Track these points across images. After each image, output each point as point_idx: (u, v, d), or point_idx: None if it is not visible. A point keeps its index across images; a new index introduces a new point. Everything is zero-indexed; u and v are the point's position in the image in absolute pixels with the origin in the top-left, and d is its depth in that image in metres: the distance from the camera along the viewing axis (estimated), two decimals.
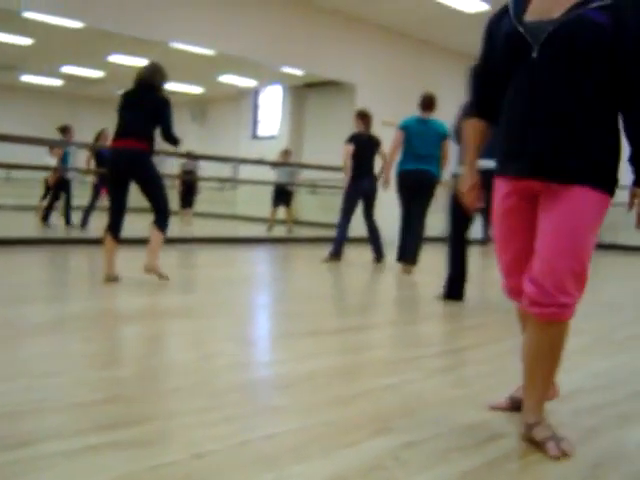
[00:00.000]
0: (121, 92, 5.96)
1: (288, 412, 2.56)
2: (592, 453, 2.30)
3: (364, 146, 8.55)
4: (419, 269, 7.76)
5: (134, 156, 5.63)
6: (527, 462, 2.19)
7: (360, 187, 8.51)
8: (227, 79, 16.43)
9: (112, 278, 5.73)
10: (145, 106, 5.72)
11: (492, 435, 2.41)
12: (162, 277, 5.84)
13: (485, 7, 11.59)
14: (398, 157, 8.02)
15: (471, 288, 5.97)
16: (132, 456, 2.08)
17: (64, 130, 11.43)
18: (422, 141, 7.88)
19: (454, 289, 5.71)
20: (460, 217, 5.53)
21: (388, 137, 10.10)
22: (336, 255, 8.51)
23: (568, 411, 2.78)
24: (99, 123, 11.47)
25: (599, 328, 4.78)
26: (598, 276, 8.15)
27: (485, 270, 9.13)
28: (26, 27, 11.55)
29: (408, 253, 7.80)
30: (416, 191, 7.86)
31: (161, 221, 5.75)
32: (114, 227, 5.78)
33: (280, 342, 3.87)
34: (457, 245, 5.72)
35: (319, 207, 15.89)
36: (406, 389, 2.95)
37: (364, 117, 8.75)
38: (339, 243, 8.53)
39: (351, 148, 8.44)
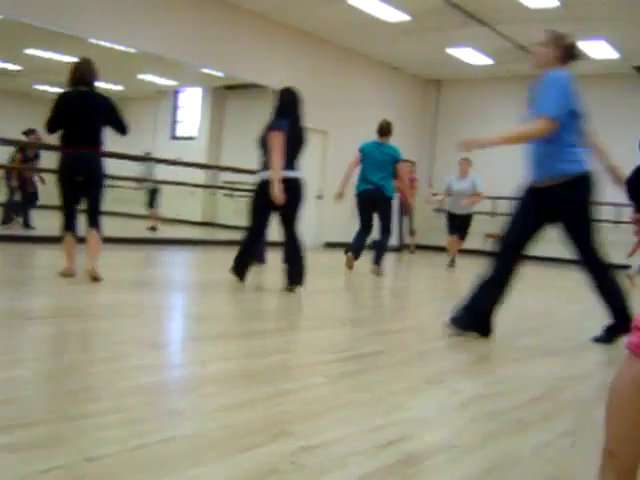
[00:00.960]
0: (62, 90, 5.99)
1: (187, 416, 2.52)
2: (488, 458, 2.33)
3: None
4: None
5: (92, 160, 5.82)
6: (424, 467, 2.21)
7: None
8: (147, 78, 16.21)
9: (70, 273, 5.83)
10: (96, 109, 5.84)
11: (391, 440, 2.42)
12: (97, 279, 5.73)
13: (406, 18, 11.75)
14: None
15: (383, 296, 6.02)
16: (25, 459, 2.01)
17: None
18: (377, 163, 8.75)
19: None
20: (262, 214, 6.28)
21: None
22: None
23: (467, 417, 2.82)
24: (17, 117, 11.16)
25: (504, 336, 4.88)
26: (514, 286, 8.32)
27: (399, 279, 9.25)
28: None
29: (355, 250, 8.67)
30: (375, 207, 8.73)
31: (99, 223, 5.90)
32: (72, 225, 5.90)
33: (186, 345, 3.84)
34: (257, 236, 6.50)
35: (237, 210, 15.80)
36: (308, 394, 2.95)
37: None
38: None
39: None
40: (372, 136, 13.08)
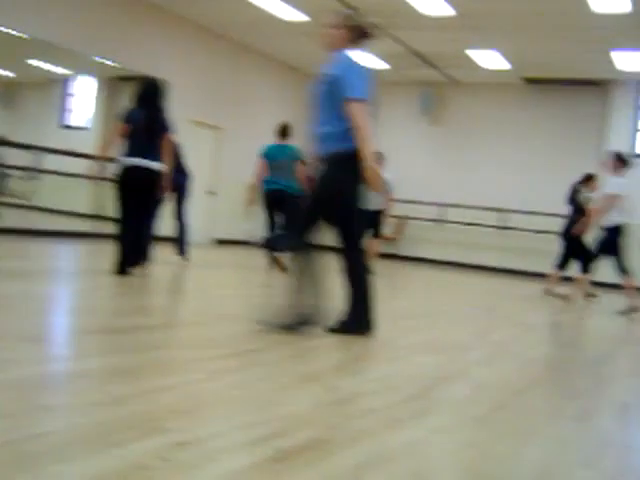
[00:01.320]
0: None
1: (59, 411, 2.47)
2: (358, 455, 2.38)
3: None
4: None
5: None
6: (294, 463, 2.23)
7: None
8: (38, 64, 15.71)
9: None
10: None
11: (264, 436, 2.44)
12: None
13: (304, 18, 11.81)
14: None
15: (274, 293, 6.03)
16: None
17: None
18: (280, 165, 9.10)
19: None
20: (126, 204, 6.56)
21: (195, 136, 10.08)
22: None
23: (341, 414, 2.87)
24: None
25: (386, 335, 4.97)
26: (397, 286, 8.51)
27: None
28: None
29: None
30: (280, 206, 9.09)
31: None
32: None
33: (65, 339, 3.76)
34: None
35: None
36: (186, 389, 2.94)
37: None
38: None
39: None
40: (268, 134, 13.10)
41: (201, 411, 2.67)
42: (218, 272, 8.87)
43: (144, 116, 6.64)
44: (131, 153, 6.64)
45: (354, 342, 4.58)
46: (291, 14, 11.69)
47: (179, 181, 8.69)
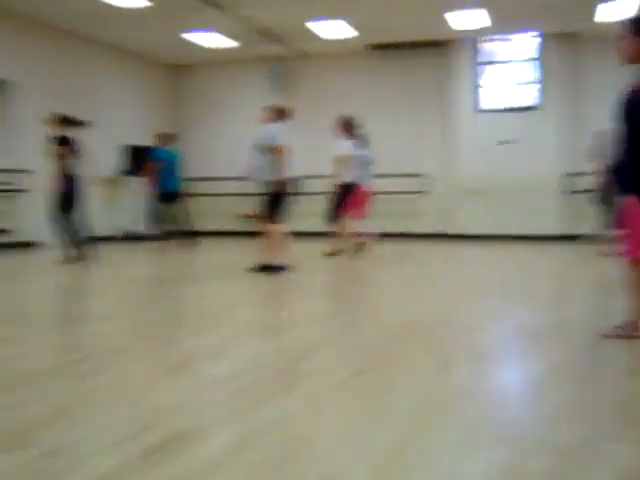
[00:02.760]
0: None
1: None
2: (228, 438, 2.47)
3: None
4: None
5: None
6: (162, 457, 2.29)
7: None
8: None
9: None
10: None
11: (133, 433, 2.50)
12: None
13: (144, 3, 11.61)
14: None
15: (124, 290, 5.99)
16: None
17: None
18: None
19: None
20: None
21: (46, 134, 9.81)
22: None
23: (209, 399, 2.95)
24: None
25: (250, 316, 5.08)
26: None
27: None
28: None
29: None
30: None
31: None
32: None
33: None
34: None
35: None
36: (50, 400, 2.95)
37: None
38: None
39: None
40: (126, 123, 12.95)
41: (64, 419, 2.69)
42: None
43: None
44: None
45: (217, 326, 4.67)
46: (128, 1, 11.46)
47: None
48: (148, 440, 2.43)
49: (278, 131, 7.76)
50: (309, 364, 3.61)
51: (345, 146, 10.07)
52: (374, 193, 11.13)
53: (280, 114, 7.95)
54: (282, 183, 7.67)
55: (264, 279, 7.29)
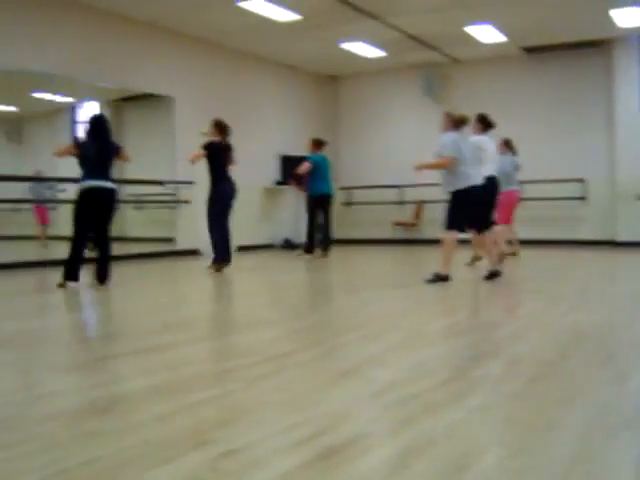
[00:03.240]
0: None
1: (107, 435, 2.53)
2: (402, 443, 2.43)
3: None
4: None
5: None
6: (341, 458, 2.28)
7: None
8: (42, 96, 15.85)
9: None
10: None
11: (309, 436, 2.49)
12: None
13: (297, 17, 11.84)
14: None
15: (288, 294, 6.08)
16: None
17: None
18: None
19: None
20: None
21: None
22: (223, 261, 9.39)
23: (381, 405, 2.92)
24: None
25: (414, 323, 5.02)
26: (420, 273, 8.54)
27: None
28: None
29: None
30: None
31: None
32: None
33: (93, 366, 3.79)
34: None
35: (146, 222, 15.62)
36: (226, 400, 3.00)
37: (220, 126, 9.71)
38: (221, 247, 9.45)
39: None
40: (278, 135, 13.33)
41: (243, 419, 2.72)
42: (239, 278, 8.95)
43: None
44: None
45: (384, 334, 4.65)
46: (283, 15, 11.72)
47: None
48: (323, 443, 2.41)
49: (451, 140, 7.59)
50: (478, 372, 3.51)
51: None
52: (521, 199, 10.88)
53: (457, 122, 7.74)
54: (458, 193, 7.54)
55: (426, 288, 7.21)
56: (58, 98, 16.21)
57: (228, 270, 9.35)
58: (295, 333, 4.82)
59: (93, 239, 7.74)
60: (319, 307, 6.36)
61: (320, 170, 12.00)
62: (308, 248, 12.02)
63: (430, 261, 9.54)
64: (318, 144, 12.30)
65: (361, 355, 3.96)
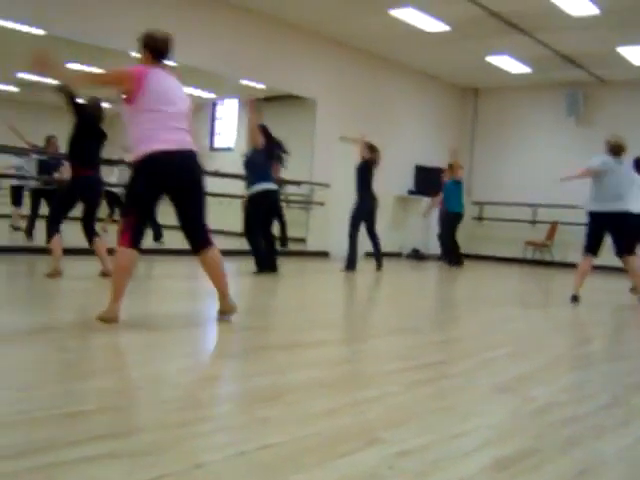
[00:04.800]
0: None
1: (279, 423, 2.59)
2: (575, 461, 2.39)
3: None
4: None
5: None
6: (515, 471, 2.25)
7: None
8: (187, 91, 16.38)
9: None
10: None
11: (476, 446, 2.48)
12: None
13: (445, 28, 11.80)
14: None
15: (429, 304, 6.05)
16: (131, 467, 2.07)
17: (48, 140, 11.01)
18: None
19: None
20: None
21: (345, 152, 10.36)
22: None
23: (544, 423, 2.87)
24: (54, 130, 11.20)
25: (565, 344, 4.92)
26: (555, 295, 8.36)
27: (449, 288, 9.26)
28: None
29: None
30: None
31: None
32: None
33: (254, 355, 3.88)
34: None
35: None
36: (390, 401, 3.02)
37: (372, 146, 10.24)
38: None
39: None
40: (415, 144, 13.30)
41: (409, 422, 2.73)
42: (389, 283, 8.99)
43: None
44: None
45: (534, 351, 4.57)
46: (433, 25, 11.71)
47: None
48: (495, 454, 2.39)
49: (601, 159, 7.37)
50: (638, 398, 3.42)
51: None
52: None
53: (613, 148, 7.45)
54: (591, 214, 7.35)
55: (565, 310, 7.05)
56: (202, 93, 16.72)
57: (360, 275, 9.43)
58: (441, 343, 4.81)
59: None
60: (459, 320, 6.31)
61: (453, 191, 12.49)
62: (453, 260, 12.47)
63: (562, 284, 9.31)
64: (454, 168, 12.66)
65: (513, 372, 3.91)
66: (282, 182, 11.90)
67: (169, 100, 4.49)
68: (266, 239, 8.67)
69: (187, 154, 4.48)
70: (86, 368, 3.31)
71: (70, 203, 6.76)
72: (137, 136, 4.39)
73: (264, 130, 8.69)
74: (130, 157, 4.56)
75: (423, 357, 4.16)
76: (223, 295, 4.65)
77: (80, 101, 6.72)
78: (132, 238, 4.39)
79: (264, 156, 8.49)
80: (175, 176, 4.42)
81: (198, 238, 4.57)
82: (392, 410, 2.88)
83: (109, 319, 4.31)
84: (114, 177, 11.84)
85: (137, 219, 4.44)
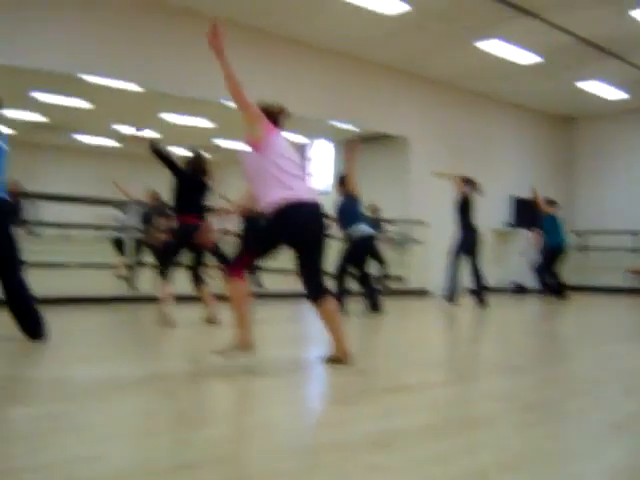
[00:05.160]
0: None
1: (391, 470, 2.58)
2: None
3: None
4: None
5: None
6: None
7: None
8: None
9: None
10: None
11: None
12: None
13: (536, 59, 11.70)
14: None
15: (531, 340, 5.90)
16: None
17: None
18: None
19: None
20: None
21: (442, 189, 10.35)
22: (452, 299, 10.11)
23: None
24: (151, 181, 11.55)
25: None
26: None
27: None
28: (83, 89, 11.84)
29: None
30: None
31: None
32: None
33: (362, 399, 3.86)
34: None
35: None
36: (501, 444, 2.97)
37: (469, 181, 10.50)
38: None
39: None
40: (511, 178, 13.15)
41: (523, 465, 2.67)
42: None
43: None
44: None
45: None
46: (525, 57, 11.63)
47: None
48: None
49: None
50: None
51: None
52: None
53: None
54: None
55: None
56: (293, 136, 16.98)
57: (462, 311, 9.34)
58: (550, 381, 4.69)
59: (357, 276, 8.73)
60: (565, 356, 6.15)
61: (551, 227, 12.33)
62: (555, 293, 12.31)
63: None
64: (551, 204, 12.54)
65: (627, 409, 3.78)
66: (379, 221, 11.94)
67: (290, 151, 4.71)
68: (364, 281, 8.69)
69: (316, 205, 4.63)
70: (197, 416, 3.37)
71: (177, 251, 6.98)
72: (268, 183, 4.54)
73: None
74: (259, 203, 4.70)
75: (531, 396, 4.08)
76: (339, 344, 4.70)
77: (173, 160, 6.99)
78: (242, 273, 4.57)
79: (355, 200, 8.63)
80: (306, 227, 4.57)
81: (315, 287, 4.66)
82: (504, 453, 2.82)
83: (244, 347, 4.54)
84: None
85: (252, 259, 4.60)
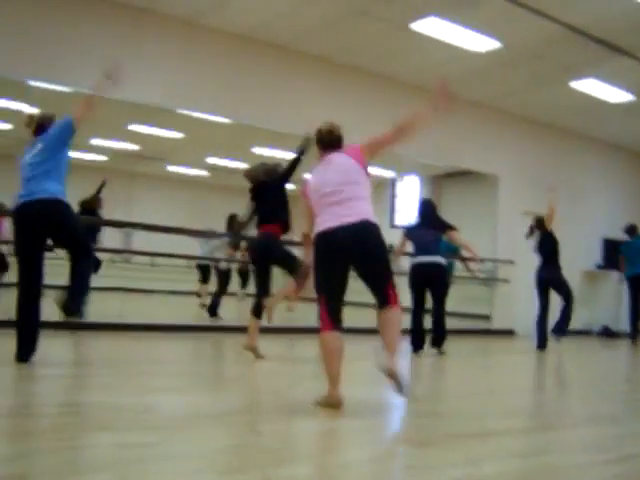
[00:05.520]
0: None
1: None
2: None
3: None
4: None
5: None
6: None
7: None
8: (373, 170, 16.75)
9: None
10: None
11: None
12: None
13: (629, 97, 11.47)
14: None
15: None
16: None
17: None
18: None
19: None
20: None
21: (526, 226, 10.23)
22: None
23: None
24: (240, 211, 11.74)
25: None
26: None
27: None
28: (177, 122, 12.19)
29: None
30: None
31: None
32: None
33: (443, 444, 3.80)
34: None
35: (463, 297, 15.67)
36: None
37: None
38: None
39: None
40: (599, 219, 12.88)
41: None
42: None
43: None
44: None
45: None
46: (616, 95, 11.42)
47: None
48: None
49: None
50: None
51: None
52: None
53: None
54: None
55: None
56: (381, 172, 17.05)
57: (549, 354, 9.14)
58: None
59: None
60: None
61: (634, 253, 12.13)
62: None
63: None
64: (633, 229, 12.43)
65: None
66: (464, 259, 11.81)
67: (326, 183, 4.78)
68: (437, 318, 8.56)
69: (348, 226, 4.58)
70: (282, 454, 3.37)
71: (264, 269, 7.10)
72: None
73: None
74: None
75: (623, 448, 3.94)
76: (390, 355, 4.50)
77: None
78: (328, 319, 4.51)
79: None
80: (342, 246, 4.54)
81: (379, 297, 4.62)
82: None
83: (331, 405, 4.48)
84: None
85: (327, 301, 4.56)
